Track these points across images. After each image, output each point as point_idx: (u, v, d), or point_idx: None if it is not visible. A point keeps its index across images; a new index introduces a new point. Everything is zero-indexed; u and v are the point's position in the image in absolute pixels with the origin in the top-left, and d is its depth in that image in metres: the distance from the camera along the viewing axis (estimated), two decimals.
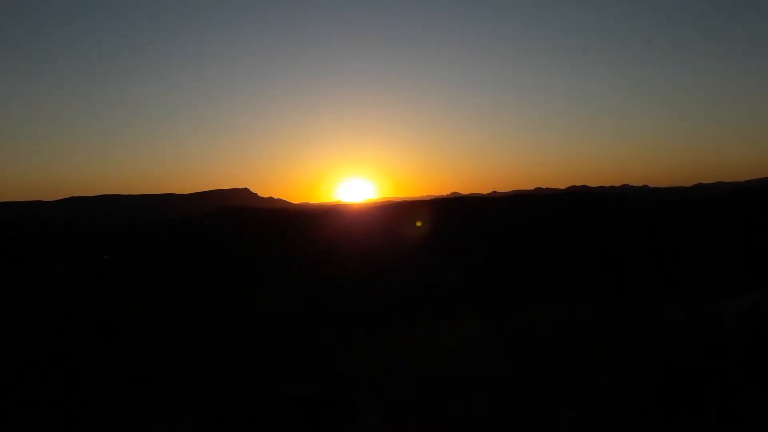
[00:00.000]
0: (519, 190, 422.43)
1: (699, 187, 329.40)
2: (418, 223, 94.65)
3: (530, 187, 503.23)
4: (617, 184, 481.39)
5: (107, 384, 22.01)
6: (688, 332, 8.04)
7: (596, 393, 8.55)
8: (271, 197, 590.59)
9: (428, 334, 9.81)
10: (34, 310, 67.86)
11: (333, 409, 9.67)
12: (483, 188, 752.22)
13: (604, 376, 9.43)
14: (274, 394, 12.10)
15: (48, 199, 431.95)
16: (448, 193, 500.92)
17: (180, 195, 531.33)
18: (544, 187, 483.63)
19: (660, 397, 7.87)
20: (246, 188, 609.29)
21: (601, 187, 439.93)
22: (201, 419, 13.22)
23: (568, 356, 10.75)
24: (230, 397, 16.91)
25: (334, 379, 10.22)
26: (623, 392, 8.22)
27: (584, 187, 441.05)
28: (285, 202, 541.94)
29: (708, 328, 7.79)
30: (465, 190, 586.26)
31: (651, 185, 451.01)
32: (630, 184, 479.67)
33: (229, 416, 12.26)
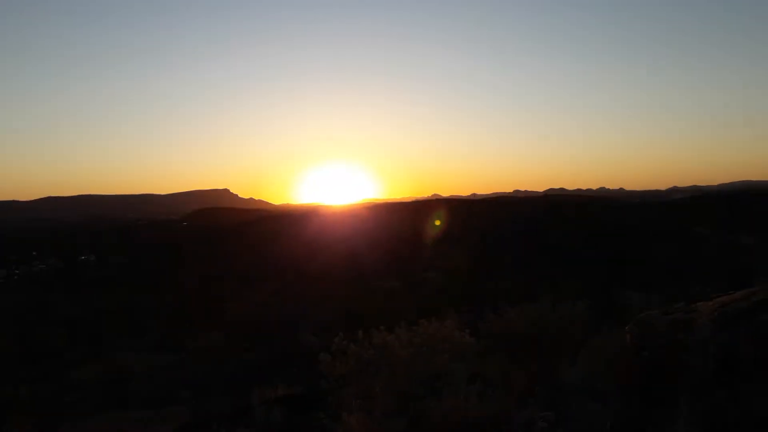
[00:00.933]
0: (498, 193, 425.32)
1: (674, 191, 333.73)
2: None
3: (509, 190, 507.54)
4: (594, 187, 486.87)
5: (89, 385, 21.83)
6: (662, 332, 8.25)
7: (572, 391, 8.74)
8: (251, 198, 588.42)
9: (409, 333, 9.91)
10: (12, 310, 66.88)
11: (315, 408, 9.74)
12: (463, 191, 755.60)
13: (580, 375, 9.63)
14: (256, 394, 12.13)
15: (26, 199, 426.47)
16: (429, 195, 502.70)
17: (160, 195, 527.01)
18: (523, 189, 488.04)
19: (634, 396, 8.06)
20: (226, 189, 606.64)
21: (579, 190, 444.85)
22: (182, 419, 13.20)
23: (545, 355, 10.94)
24: (212, 397, 16.88)
25: (316, 378, 10.28)
26: (598, 390, 8.41)
27: (562, 190, 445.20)
28: (266, 203, 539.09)
29: (681, 328, 7.99)
30: (445, 192, 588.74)
31: (627, 188, 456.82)
32: (607, 187, 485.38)
33: (210, 417, 12.25)
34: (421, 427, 7.57)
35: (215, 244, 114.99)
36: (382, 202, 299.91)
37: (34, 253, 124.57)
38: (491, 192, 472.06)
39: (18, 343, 44.73)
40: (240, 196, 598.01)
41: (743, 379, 7.15)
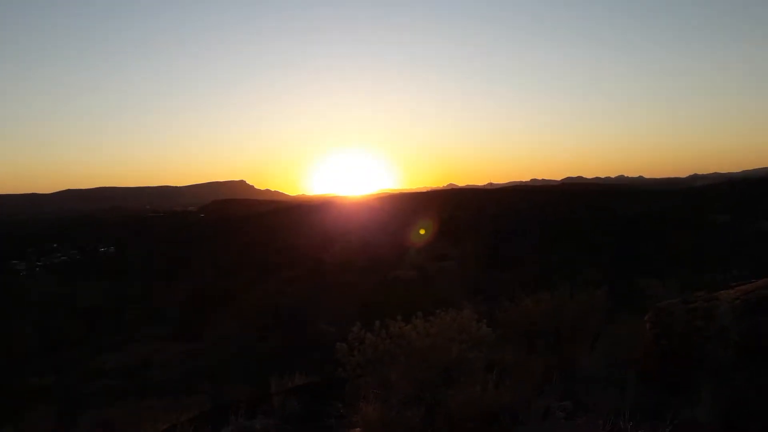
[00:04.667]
0: (515, 182, 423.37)
1: (695, 178, 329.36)
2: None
3: (526, 178, 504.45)
4: (613, 176, 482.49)
5: (110, 374, 22.15)
6: (682, 320, 8.16)
7: (590, 380, 8.69)
8: (267, 189, 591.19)
9: (425, 323, 9.92)
10: (33, 301, 67.96)
11: (332, 397, 9.78)
12: (479, 180, 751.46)
13: (598, 364, 9.57)
14: (273, 383, 12.19)
15: (45, 192, 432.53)
16: (445, 185, 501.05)
17: (177, 187, 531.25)
18: (540, 178, 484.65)
19: (653, 383, 8.00)
20: (243, 180, 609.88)
21: (597, 178, 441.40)
22: (200, 408, 13.30)
23: (563, 344, 10.89)
24: (229, 385, 17.08)
25: (333, 367, 10.33)
26: (616, 379, 8.35)
27: (580, 178, 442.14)
28: (281, 194, 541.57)
29: (701, 315, 7.90)
30: (461, 182, 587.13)
31: (646, 176, 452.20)
32: (626, 175, 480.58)
33: (228, 405, 12.34)
34: (438, 416, 7.58)
35: (231, 235, 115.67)
36: (397, 192, 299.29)
37: (55, 245, 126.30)
38: (508, 181, 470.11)
39: (42, 333, 45.48)
40: (256, 187, 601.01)
41: (765, 365, 7.06)
